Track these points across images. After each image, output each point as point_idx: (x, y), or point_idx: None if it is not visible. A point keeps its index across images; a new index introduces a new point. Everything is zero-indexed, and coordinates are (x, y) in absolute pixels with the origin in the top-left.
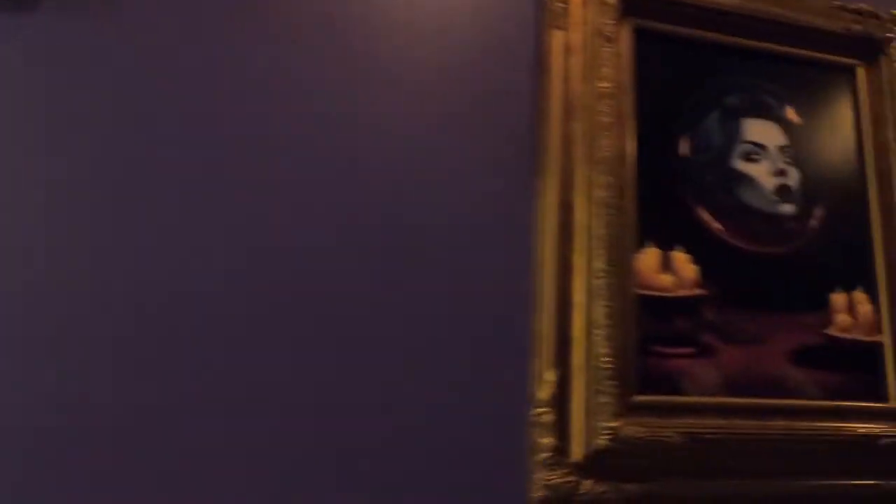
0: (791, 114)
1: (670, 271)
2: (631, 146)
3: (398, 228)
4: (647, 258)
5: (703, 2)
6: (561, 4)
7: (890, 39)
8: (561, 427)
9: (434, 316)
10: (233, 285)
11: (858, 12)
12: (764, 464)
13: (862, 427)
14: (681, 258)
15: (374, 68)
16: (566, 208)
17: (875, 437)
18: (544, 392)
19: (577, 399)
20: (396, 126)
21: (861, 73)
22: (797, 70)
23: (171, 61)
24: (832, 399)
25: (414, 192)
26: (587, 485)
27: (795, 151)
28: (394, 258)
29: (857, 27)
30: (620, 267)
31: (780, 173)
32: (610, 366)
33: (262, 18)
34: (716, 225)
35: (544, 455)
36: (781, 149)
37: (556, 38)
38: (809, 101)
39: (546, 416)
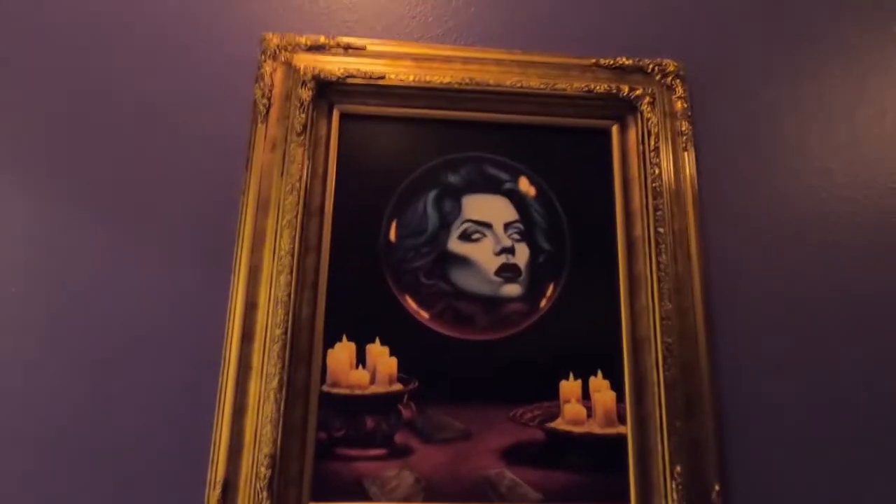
0: (525, 185)
1: (365, 367)
2: (325, 238)
3: (102, 326)
4: (340, 353)
5: (415, 82)
6: (265, 101)
7: (640, 97)
8: None
9: (123, 425)
10: None
11: (619, 67)
12: None
13: None
14: (377, 351)
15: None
16: (251, 307)
17: None
18: (211, 502)
19: None
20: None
21: (615, 134)
22: (537, 137)
23: None
24: (555, 503)
25: (118, 288)
26: None
27: (527, 226)
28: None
29: (602, 86)
30: (299, 365)
31: (505, 251)
32: (268, 474)
33: None
34: (422, 314)
35: None
36: (509, 225)
37: (260, 134)
38: (554, 170)
39: None
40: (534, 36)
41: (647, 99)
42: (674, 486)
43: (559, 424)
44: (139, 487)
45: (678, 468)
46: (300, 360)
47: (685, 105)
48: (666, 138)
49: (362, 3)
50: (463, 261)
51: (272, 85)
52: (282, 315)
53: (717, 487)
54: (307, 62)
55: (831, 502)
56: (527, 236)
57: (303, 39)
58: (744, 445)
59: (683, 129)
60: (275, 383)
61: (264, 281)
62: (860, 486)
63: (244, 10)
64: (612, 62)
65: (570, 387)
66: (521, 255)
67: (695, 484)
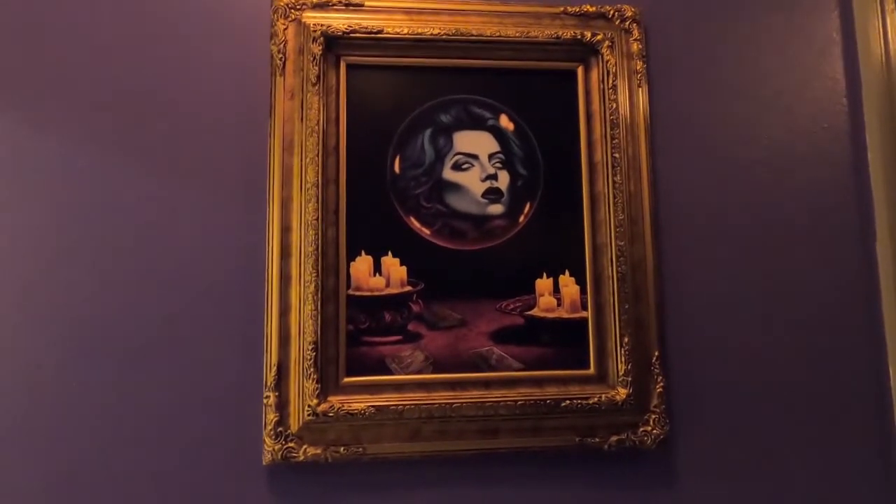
0: (505, 121)
1: (381, 274)
2: (342, 172)
3: (159, 251)
4: (360, 265)
5: (408, 34)
6: (281, 56)
7: (601, 41)
8: (281, 406)
9: (192, 325)
10: None
11: (583, 14)
12: (455, 427)
13: (553, 391)
14: (390, 262)
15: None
16: (286, 230)
17: (558, 401)
18: (269, 379)
19: (293, 384)
20: (152, 168)
21: (580, 74)
22: (514, 79)
23: None
24: (532, 370)
25: (173, 219)
26: (303, 450)
27: (507, 156)
28: (156, 279)
29: (568, 33)
30: (329, 275)
31: (490, 178)
32: (313, 355)
33: None
34: (424, 231)
35: (269, 428)
36: (492, 155)
37: (279, 85)
38: (529, 107)
39: (271, 398)
40: None
41: (607, 43)
42: (623, 353)
43: (535, 312)
44: (212, 373)
45: (626, 339)
46: (330, 271)
47: (640, 46)
48: (623, 77)
49: None
50: (455, 187)
51: (286, 41)
52: (312, 236)
53: (656, 353)
54: (315, 19)
55: (746, 362)
56: (507, 164)
57: None
58: (677, 323)
59: (638, 68)
60: (311, 288)
61: (295, 209)
62: (769, 351)
63: None
64: (577, 10)
65: (543, 283)
66: (503, 180)
67: (639, 351)
